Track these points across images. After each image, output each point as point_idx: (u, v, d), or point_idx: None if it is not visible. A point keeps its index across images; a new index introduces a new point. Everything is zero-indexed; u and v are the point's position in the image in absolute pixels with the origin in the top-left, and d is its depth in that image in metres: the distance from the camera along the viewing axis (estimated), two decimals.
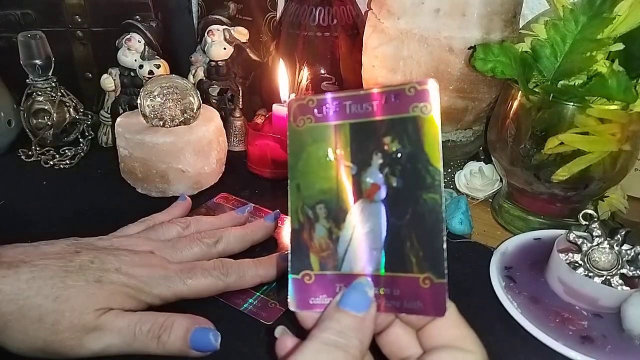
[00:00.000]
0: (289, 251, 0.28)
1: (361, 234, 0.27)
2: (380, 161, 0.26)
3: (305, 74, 0.69)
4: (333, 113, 0.27)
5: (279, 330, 0.28)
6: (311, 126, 0.28)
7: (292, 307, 0.27)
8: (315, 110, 0.28)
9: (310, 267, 0.27)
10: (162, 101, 0.55)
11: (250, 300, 0.42)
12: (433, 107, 0.25)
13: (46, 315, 0.32)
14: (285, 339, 0.27)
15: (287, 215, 0.53)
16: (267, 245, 0.48)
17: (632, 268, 0.41)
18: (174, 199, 0.52)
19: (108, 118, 0.69)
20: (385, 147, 0.26)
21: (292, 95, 0.61)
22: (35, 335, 0.32)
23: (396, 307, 0.26)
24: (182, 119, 0.56)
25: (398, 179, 0.26)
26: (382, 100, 0.26)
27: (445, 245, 0.25)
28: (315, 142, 0.27)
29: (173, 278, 0.38)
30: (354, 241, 0.27)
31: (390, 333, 0.28)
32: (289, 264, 0.28)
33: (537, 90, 0.48)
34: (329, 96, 0.27)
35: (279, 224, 0.50)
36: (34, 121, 0.64)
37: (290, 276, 0.28)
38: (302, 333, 0.27)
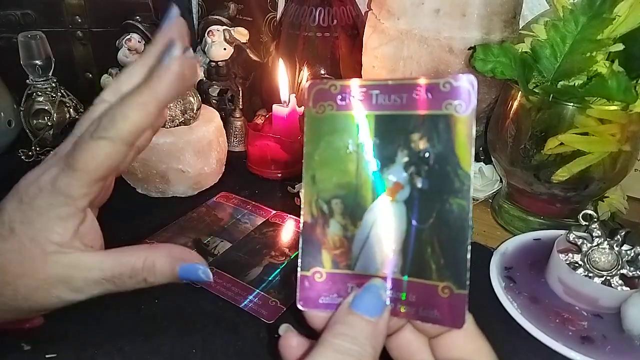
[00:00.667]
0: (300, 246, 0.26)
1: (379, 233, 0.25)
2: (406, 159, 0.25)
3: (305, 75, 0.69)
4: (358, 102, 0.25)
5: (283, 328, 0.27)
6: (332, 114, 0.25)
7: (300, 305, 0.26)
8: (339, 97, 0.25)
9: (322, 265, 0.26)
10: None
11: (250, 297, 0.42)
12: (469, 107, 0.23)
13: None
14: (289, 337, 0.26)
15: (287, 214, 0.54)
16: (268, 244, 0.48)
17: (632, 268, 0.41)
18: (174, 199, 0.52)
19: None
20: (413, 145, 0.24)
21: (293, 96, 0.61)
22: (4, 306, 0.30)
23: (411, 314, 0.24)
24: (182, 119, 0.56)
25: (424, 180, 0.24)
26: (414, 94, 0.24)
27: (469, 256, 0.23)
28: (336, 132, 0.25)
29: (68, 164, 0.29)
30: (371, 240, 0.25)
31: (401, 337, 0.27)
32: (299, 259, 0.26)
33: (537, 90, 0.48)
34: (355, 83, 0.25)
35: (278, 221, 0.50)
36: (34, 121, 0.64)
37: (299, 272, 0.26)
38: (305, 331, 0.27)
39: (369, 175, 0.25)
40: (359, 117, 0.25)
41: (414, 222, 0.25)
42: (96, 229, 0.33)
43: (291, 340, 0.26)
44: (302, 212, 0.26)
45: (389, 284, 0.25)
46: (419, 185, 0.24)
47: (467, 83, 0.23)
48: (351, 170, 0.25)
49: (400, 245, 0.25)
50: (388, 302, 0.25)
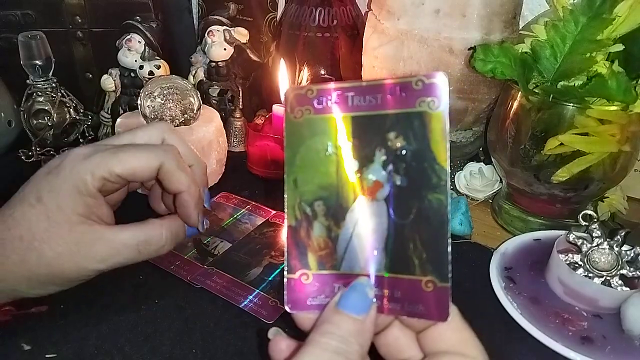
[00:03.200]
0: (285, 249, 0.27)
1: (362, 233, 0.26)
2: (384, 158, 0.25)
3: (305, 75, 0.69)
4: (334, 105, 0.26)
5: (273, 332, 0.27)
6: (310, 118, 0.26)
7: (288, 308, 0.26)
8: (315, 101, 0.26)
9: (308, 267, 0.26)
10: (163, 102, 0.55)
11: (250, 297, 0.42)
12: (441, 103, 0.24)
13: (25, 254, 0.33)
14: (278, 341, 0.27)
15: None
16: (268, 244, 0.48)
17: (631, 269, 0.41)
18: None
19: (108, 118, 0.69)
20: (389, 143, 0.25)
21: None
22: (31, 274, 0.33)
23: (397, 310, 0.25)
24: (183, 119, 0.56)
25: (402, 177, 0.25)
26: (388, 93, 0.25)
27: (450, 249, 0.24)
28: (315, 135, 0.26)
29: (102, 154, 0.35)
30: (354, 240, 0.26)
31: (389, 334, 0.27)
32: (285, 262, 0.26)
33: (537, 91, 0.48)
34: (330, 86, 0.26)
35: (278, 222, 0.50)
36: (34, 122, 0.64)
37: (286, 275, 0.26)
38: (301, 334, 0.27)
39: (349, 176, 0.26)
40: (336, 120, 0.26)
41: (395, 219, 0.25)
42: (112, 218, 0.37)
43: (280, 344, 0.26)
44: (286, 217, 0.26)
45: (373, 282, 0.25)
46: (398, 182, 0.25)
47: (438, 80, 0.24)
48: (332, 172, 0.26)
49: (382, 242, 0.25)
50: (374, 300, 0.25)
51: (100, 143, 0.37)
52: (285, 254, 0.26)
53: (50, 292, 0.35)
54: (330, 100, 0.26)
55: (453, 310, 0.25)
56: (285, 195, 0.27)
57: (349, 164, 0.26)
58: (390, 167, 0.25)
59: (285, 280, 0.26)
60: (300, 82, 0.69)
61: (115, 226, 0.36)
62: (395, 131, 0.25)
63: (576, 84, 0.47)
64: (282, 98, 0.61)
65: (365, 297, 0.25)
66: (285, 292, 0.26)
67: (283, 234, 0.50)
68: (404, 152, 0.25)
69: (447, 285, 0.24)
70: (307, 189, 0.26)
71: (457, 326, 0.25)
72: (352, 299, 0.25)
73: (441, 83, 0.24)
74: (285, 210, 0.27)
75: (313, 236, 0.26)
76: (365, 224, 0.26)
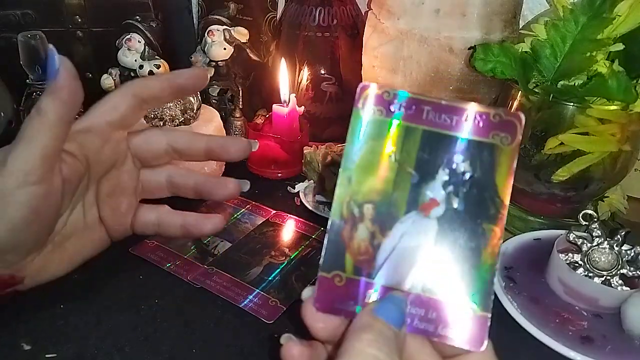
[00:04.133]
0: (324, 245, 0.26)
1: (406, 247, 0.25)
2: (446, 178, 0.25)
3: (305, 74, 0.69)
4: (408, 113, 0.26)
5: (285, 338, 0.26)
6: (380, 119, 0.26)
7: (315, 307, 0.25)
8: (390, 104, 0.26)
9: (343, 269, 0.25)
10: None
11: (250, 297, 0.42)
12: (514, 141, 0.24)
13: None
14: (291, 347, 0.26)
15: (288, 214, 0.54)
16: (269, 244, 0.48)
17: (632, 268, 0.41)
18: (174, 198, 0.52)
19: None
20: (454, 166, 0.25)
21: (293, 96, 0.61)
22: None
23: (430, 331, 0.24)
24: (182, 119, 0.56)
25: (460, 201, 0.25)
26: (464, 118, 0.25)
27: (495, 279, 0.24)
28: (380, 138, 0.26)
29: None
30: (397, 252, 0.25)
31: None
32: (322, 259, 0.26)
33: (537, 90, 0.48)
34: (409, 94, 0.26)
35: (278, 221, 0.50)
36: None
37: (320, 273, 0.25)
38: (301, 332, 0.27)
39: (407, 187, 0.25)
40: (407, 128, 0.26)
41: (443, 241, 0.25)
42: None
43: (293, 349, 0.26)
44: (331, 211, 0.26)
45: (409, 299, 0.25)
46: (455, 205, 0.25)
47: (516, 119, 0.25)
48: (389, 178, 0.26)
49: (426, 261, 0.25)
50: (407, 319, 0.24)
51: None
52: (324, 250, 0.26)
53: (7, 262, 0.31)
54: (406, 107, 0.26)
55: (489, 344, 0.24)
56: (337, 189, 0.26)
57: (410, 176, 0.25)
58: (451, 188, 0.25)
59: (317, 278, 0.26)
60: (300, 82, 0.69)
61: None
62: (463, 155, 0.25)
63: (576, 84, 0.47)
64: (282, 99, 0.61)
65: (401, 311, 0.24)
66: (315, 290, 0.25)
67: (283, 234, 0.50)
68: (467, 177, 0.25)
69: (487, 315, 0.24)
70: (360, 189, 0.26)
71: (489, 359, 0.25)
72: (389, 310, 0.24)
73: (518, 122, 0.24)
74: (333, 204, 0.26)
75: (355, 238, 0.25)
76: (411, 239, 0.25)
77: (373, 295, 0.25)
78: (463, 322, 0.24)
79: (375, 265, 0.25)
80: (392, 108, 0.26)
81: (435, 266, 0.25)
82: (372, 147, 0.26)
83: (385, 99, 0.26)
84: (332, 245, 0.26)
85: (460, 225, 0.25)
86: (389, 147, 0.26)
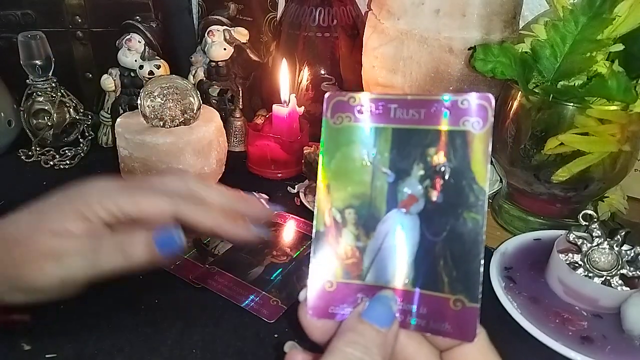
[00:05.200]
0: (311, 254, 0.26)
1: (391, 245, 0.25)
2: (422, 172, 0.25)
3: (305, 75, 0.69)
4: (376, 115, 0.26)
5: (289, 345, 0.27)
6: (350, 125, 0.26)
7: (309, 314, 0.26)
8: (357, 109, 0.26)
9: (333, 274, 0.26)
10: (162, 101, 0.55)
11: (251, 297, 0.42)
12: (486, 124, 0.24)
13: (3, 255, 0.33)
14: (294, 354, 0.26)
15: (289, 214, 0.54)
16: (270, 245, 0.49)
17: (631, 268, 0.41)
18: None
19: (108, 118, 0.69)
20: (429, 159, 0.25)
21: (293, 96, 0.61)
22: (3, 276, 0.33)
23: (422, 326, 0.25)
24: (182, 119, 0.56)
25: (439, 194, 0.25)
26: (432, 109, 0.25)
27: (482, 269, 0.24)
28: (352, 143, 0.26)
29: (119, 190, 0.35)
30: (383, 252, 0.25)
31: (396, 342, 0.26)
32: (310, 268, 0.26)
33: (537, 90, 0.48)
34: (373, 96, 0.26)
35: (279, 221, 0.50)
36: (34, 121, 0.64)
37: (310, 281, 0.26)
38: (304, 335, 0.27)
39: (384, 187, 0.26)
40: (377, 130, 0.26)
41: (427, 235, 0.25)
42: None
43: (297, 357, 0.26)
44: (315, 221, 0.26)
45: (399, 296, 0.25)
46: (434, 198, 0.25)
47: (484, 101, 0.24)
48: (366, 181, 0.26)
49: (412, 257, 0.25)
50: (397, 315, 0.25)
51: (127, 181, 0.38)
52: (312, 259, 0.26)
53: (17, 300, 0.34)
54: (373, 109, 0.26)
55: (481, 332, 0.24)
56: (317, 200, 0.26)
57: (385, 176, 0.26)
58: (427, 182, 0.25)
59: (308, 286, 0.26)
60: (300, 82, 0.69)
61: (72, 237, 0.34)
62: (436, 147, 0.25)
63: (576, 84, 0.47)
64: (282, 99, 0.61)
65: (389, 310, 0.24)
66: (308, 298, 0.26)
67: (284, 234, 0.50)
68: (442, 168, 0.25)
69: (477, 306, 0.24)
70: (339, 196, 0.26)
71: (483, 349, 0.25)
72: (376, 311, 0.24)
73: (488, 104, 0.24)
74: (315, 214, 0.26)
75: (341, 244, 0.26)
76: (395, 237, 0.25)
77: (364, 297, 0.25)
78: (453, 315, 0.24)
79: (364, 267, 0.26)
80: (359, 113, 0.26)
81: (422, 261, 0.25)
82: (345, 153, 0.26)
83: (352, 105, 0.26)
84: (320, 254, 0.26)
85: (442, 217, 0.25)
86: (362, 151, 0.26)
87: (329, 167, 0.26)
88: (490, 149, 0.24)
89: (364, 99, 0.26)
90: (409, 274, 0.25)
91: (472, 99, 0.24)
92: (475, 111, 0.24)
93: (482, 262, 0.24)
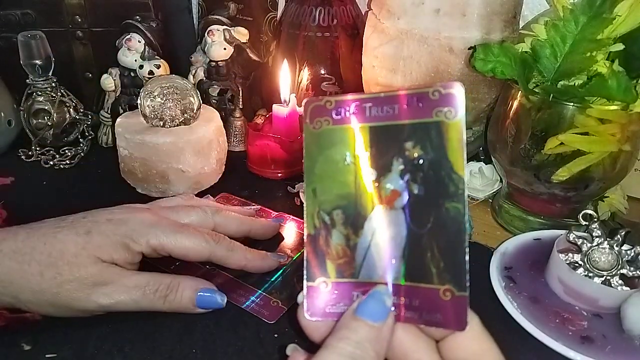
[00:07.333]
0: (305, 257, 0.27)
1: (380, 241, 0.26)
2: (402, 167, 0.25)
3: (305, 74, 0.69)
4: (352, 115, 0.26)
5: (290, 348, 0.28)
6: (329, 128, 0.27)
7: (307, 315, 0.27)
8: (334, 112, 0.27)
9: (327, 275, 0.26)
10: (162, 101, 0.55)
11: (252, 298, 0.42)
12: (458, 112, 0.24)
13: (45, 269, 0.35)
14: (296, 357, 0.27)
15: (290, 215, 0.54)
16: (270, 245, 0.48)
17: (632, 268, 0.41)
18: None
19: (108, 118, 0.69)
20: (407, 153, 0.25)
21: (293, 96, 0.61)
22: (40, 289, 0.35)
23: (415, 318, 0.25)
24: (182, 119, 0.56)
25: (419, 186, 0.25)
26: (405, 104, 0.25)
27: (467, 257, 0.24)
28: (333, 146, 0.27)
29: (163, 228, 0.39)
30: (373, 249, 0.26)
31: (393, 337, 0.26)
32: (305, 270, 0.27)
33: (537, 90, 0.48)
34: (348, 97, 0.26)
35: (281, 224, 0.50)
36: (34, 121, 0.64)
37: (306, 283, 0.27)
38: (302, 334, 0.27)
39: (367, 185, 0.26)
40: (354, 130, 0.26)
41: (412, 228, 0.25)
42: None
43: (298, 359, 0.27)
44: (305, 225, 0.27)
45: (391, 290, 0.25)
46: (415, 191, 0.25)
47: (455, 90, 0.24)
48: (350, 181, 0.26)
49: (400, 251, 0.25)
50: (392, 308, 0.25)
51: (163, 214, 0.41)
52: (305, 262, 0.27)
53: (45, 312, 0.37)
54: (349, 111, 0.26)
55: (473, 319, 0.25)
56: (305, 205, 0.27)
57: (367, 174, 0.26)
58: (408, 176, 0.25)
59: (305, 288, 0.27)
60: (301, 82, 0.69)
61: (136, 271, 0.39)
62: (412, 141, 0.25)
63: (576, 84, 0.47)
64: (282, 99, 0.61)
65: (383, 304, 0.25)
66: (304, 300, 0.27)
67: (285, 234, 0.50)
68: (421, 161, 0.25)
69: (465, 295, 0.24)
70: (325, 198, 0.27)
71: (477, 335, 0.25)
72: (370, 306, 0.25)
73: (458, 93, 0.24)
74: (305, 219, 0.27)
75: (332, 244, 0.27)
76: (383, 233, 0.26)
77: (359, 294, 0.26)
78: (444, 305, 0.24)
79: (356, 265, 0.26)
80: (336, 115, 0.27)
81: (410, 254, 0.25)
82: (327, 157, 0.27)
83: (328, 108, 0.27)
84: (312, 256, 0.27)
85: (425, 209, 0.25)
86: (343, 152, 0.27)
87: (313, 172, 0.27)
88: (464, 136, 0.24)
89: (338, 102, 0.27)
90: (399, 268, 0.25)
91: (443, 89, 0.25)
92: (446, 101, 0.25)
93: (467, 250, 0.24)
